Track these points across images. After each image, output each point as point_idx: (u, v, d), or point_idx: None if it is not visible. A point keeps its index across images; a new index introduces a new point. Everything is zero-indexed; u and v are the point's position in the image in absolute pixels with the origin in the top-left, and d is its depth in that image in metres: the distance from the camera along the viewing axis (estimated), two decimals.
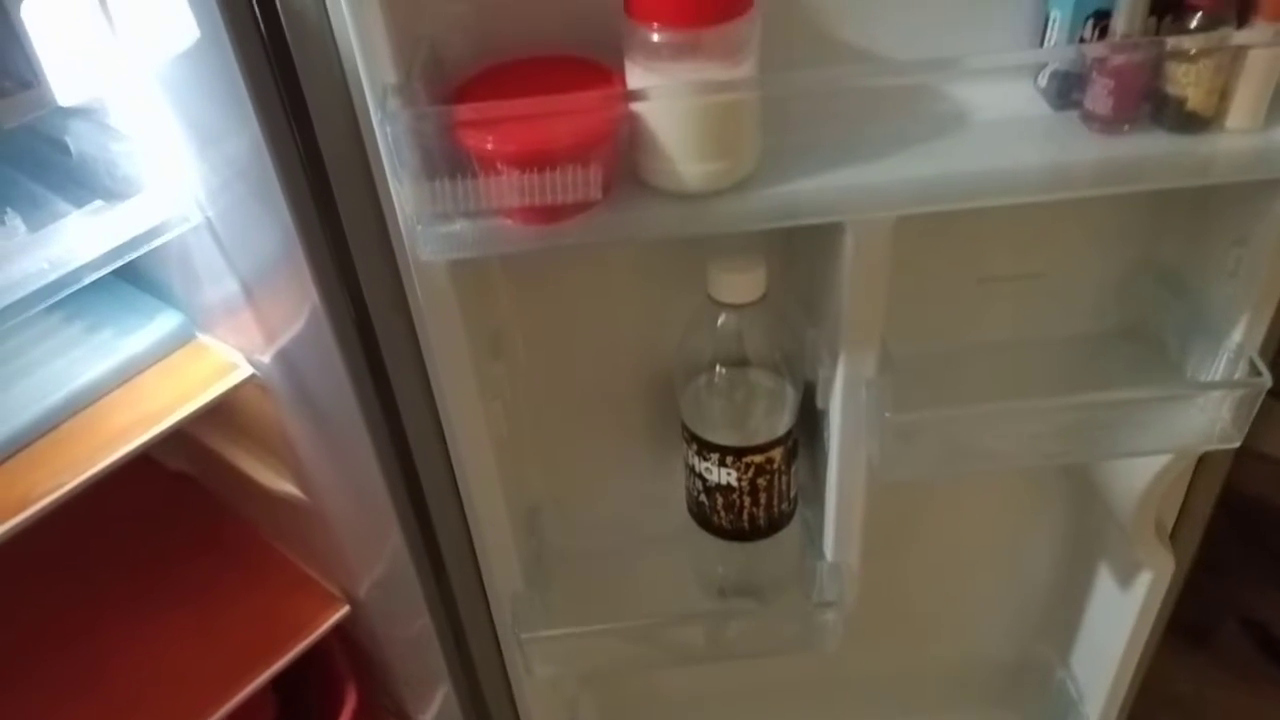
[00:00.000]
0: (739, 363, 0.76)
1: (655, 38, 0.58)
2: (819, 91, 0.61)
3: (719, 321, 0.73)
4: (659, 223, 0.63)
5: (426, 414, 0.75)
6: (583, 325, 0.81)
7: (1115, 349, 0.83)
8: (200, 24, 0.62)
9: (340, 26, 0.57)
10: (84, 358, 0.82)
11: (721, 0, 0.58)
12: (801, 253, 0.72)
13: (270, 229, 0.70)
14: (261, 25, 0.60)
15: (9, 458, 0.77)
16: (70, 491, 0.75)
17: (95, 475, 0.76)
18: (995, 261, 0.81)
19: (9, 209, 0.73)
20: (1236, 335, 0.72)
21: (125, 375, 0.82)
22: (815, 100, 0.63)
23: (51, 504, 0.74)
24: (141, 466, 0.81)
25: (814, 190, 0.63)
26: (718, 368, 0.76)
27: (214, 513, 1.05)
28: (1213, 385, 0.73)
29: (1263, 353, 0.72)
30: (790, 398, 0.77)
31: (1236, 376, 0.72)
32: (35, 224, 0.73)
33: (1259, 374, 0.71)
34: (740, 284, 0.71)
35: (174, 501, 1.06)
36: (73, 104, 0.69)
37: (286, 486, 0.94)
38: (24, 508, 0.73)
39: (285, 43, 0.60)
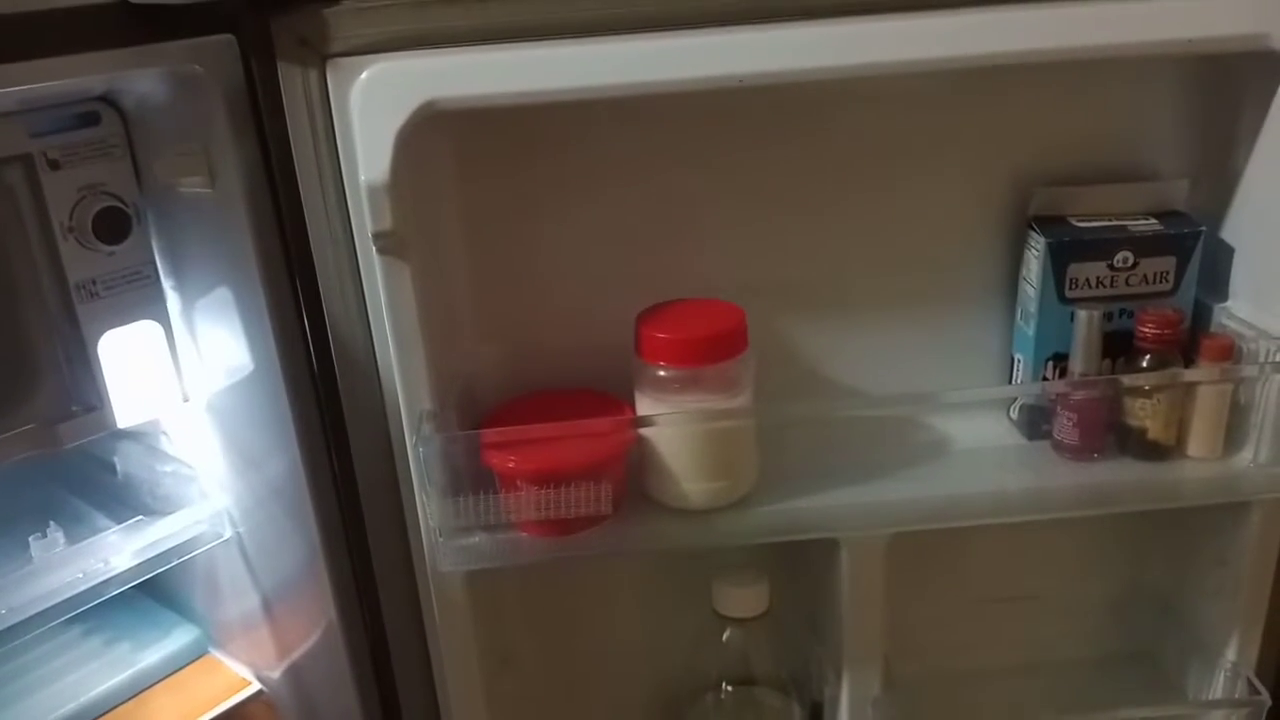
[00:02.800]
0: (745, 680, 0.77)
1: (662, 374, 0.66)
2: (809, 420, 0.68)
3: (724, 636, 0.75)
4: (664, 536, 0.67)
5: None
6: (591, 640, 0.83)
7: (1117, 672, 0.84)
8: (255, 358, 0.70)
9: (385, 362, 0.65)
10: (99, 671, 0.83)
11: (719, 344, 0.66)
12: (802, 570, 0.75)
13: (297, 546, 0.74)
14: (314, 360, 0.67)
15: None
16: None
17: None
18: (991, 584, 0.84)
19: (52, 522, 0.77)
20: (1230, 654, 0.73)
21: (136, 689, 0.82)
22: (807, 428, 0.69)
23: None
24: None
25: (809, 508, 0.68)
26: (724, 686, 0.77)
27: None
28: (1213, 704, 0.74)
29: (1260, 671, 0.73)
30: (798, 719, 0.77)
31: (1236, 696, 0.72)
32: (75, 537, 0.77)
33: (1258, 693, 0.72)
34: (744, 598, 0.74)
35: None
36: (127, 427, 0.75)
37: None
38: None
39: (333, 375, 0.67)
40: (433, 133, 0.63)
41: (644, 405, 0.67)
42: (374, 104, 0.58)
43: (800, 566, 0.75)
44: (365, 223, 0.61)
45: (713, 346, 0.65)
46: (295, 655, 0.80)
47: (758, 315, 0.67)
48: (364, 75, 0.58)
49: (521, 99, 0.58)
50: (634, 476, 0.68)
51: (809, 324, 0.74)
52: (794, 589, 0.76)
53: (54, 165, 0.68)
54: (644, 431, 0.66)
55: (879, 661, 0.72)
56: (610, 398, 0.70)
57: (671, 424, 0.66)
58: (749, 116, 0.69)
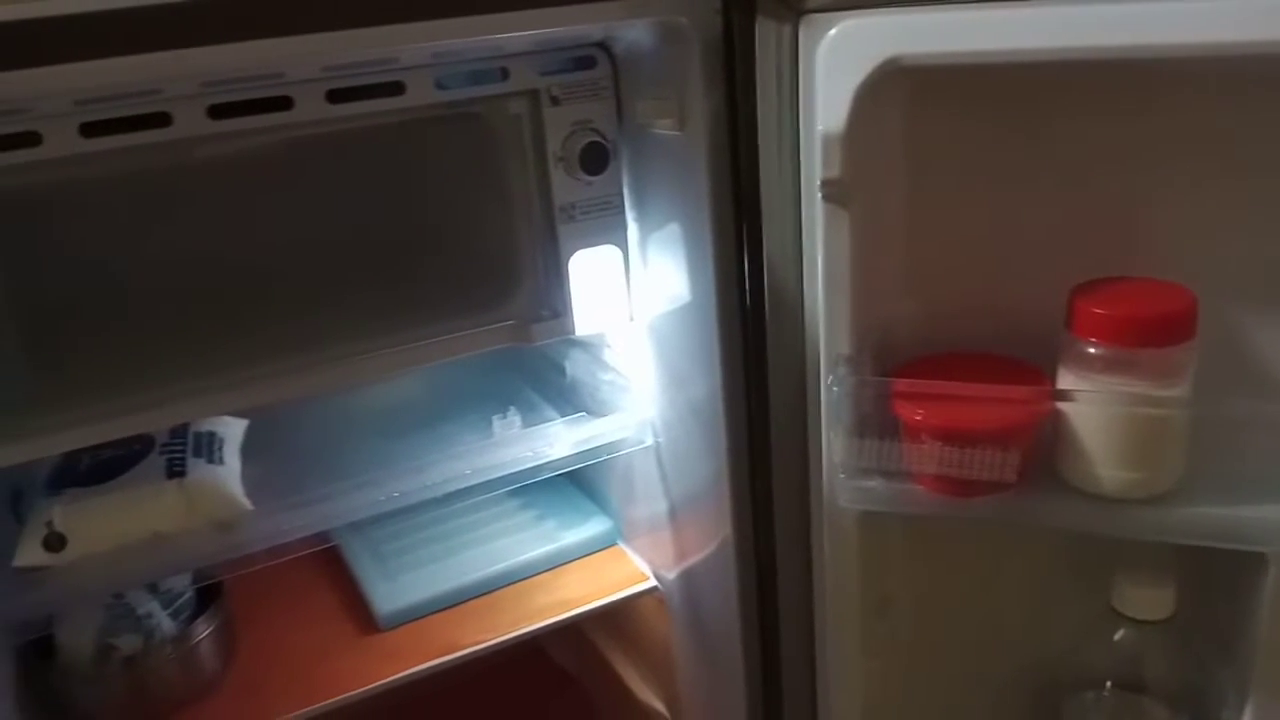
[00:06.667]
0: (1133, 686, 0.73)
1: (1092, 351, 0.64)
2: (1255, 422, 0.62)
3: (1117, 636, 0.72)
4: (1069, 518, 0.66)
5: (804, 662, 0.80)
6: (970, 605, 0.82)
7: None
8: (694, 289, 0.77)
9: (811, 304, 0.69)
10: (528, 541, 0.97)
11: (1162, 327, 0.62)
12: (1219, 581, 0.69)
13: (706, 463, 0.81)
14: (748, 298, 0.73)
15: (450, 608, 0.91)
16: (488, 649, 0.87)
17: (511, 640, 0.87)
18: None
19: (513, 407, 0.91)
20: None
21: (554, 563, 0.96)
22: (1250, 430, 0.63)
23: (467, 656, 0.86)
24: (531, 653, 0.91)
25: (1237, 517, 0.62)
26: (1108, 685, 0.74)
27: (583, 715, 1.13)
28: None
29: None
30: None
31: None
32: (529, 423, 0.91)
33: None
34: (1147, 599, 0.69)
35: (549, 695, 1.16)
36: (579, 336, 0.86)
37: (655, 704, 1.00)
38: (449, 652, 0.86)
39: (762, 311, 0.73)
40: (888, 88, 0.65)
41: (1065, 381, 0.65)
42: (840, 58, 0.62)
43: (1214, 576, 0.69)
44: (814, 171, 0.64)
45: (1155, 329, 0.62)
46: (690, 562, 0.88)
47: (1210, 302, 0.63)
48: (833, 31, 0.62)
49: (986, 58, 0.58)
50: (1043, 451, 0.66)
51: (1272, 319, 0.68)
52: (1203, 598, 0.70)
53: (554, 101, 0.79)
54: (1063, 406, 0.64)
55: None
56: (1027, 365, 0.68)
57: (1097, 403, 0.63)
58: (1235, 92, 0.63)
